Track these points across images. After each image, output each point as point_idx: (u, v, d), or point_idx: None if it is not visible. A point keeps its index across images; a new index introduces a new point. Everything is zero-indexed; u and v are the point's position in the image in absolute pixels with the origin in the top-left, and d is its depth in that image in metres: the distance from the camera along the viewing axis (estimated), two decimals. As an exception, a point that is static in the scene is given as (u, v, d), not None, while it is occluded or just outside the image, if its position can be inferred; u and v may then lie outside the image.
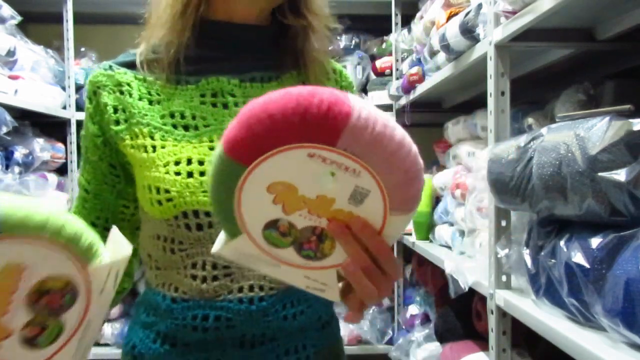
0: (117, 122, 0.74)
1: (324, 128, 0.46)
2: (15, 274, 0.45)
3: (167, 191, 0.70)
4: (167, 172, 0.71)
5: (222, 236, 0.56)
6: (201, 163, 0.71)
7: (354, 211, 0.51)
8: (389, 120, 0.48)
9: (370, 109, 0.47)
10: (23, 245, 0.45)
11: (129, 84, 0.76)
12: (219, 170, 0.50)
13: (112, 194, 0.79)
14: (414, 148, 0.51)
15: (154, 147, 0.72)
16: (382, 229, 0.52)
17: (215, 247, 0.56)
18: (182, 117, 0.74)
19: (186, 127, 0.74)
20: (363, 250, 0.51)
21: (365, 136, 0.46)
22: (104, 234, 0.56)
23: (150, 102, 0.75)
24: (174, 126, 0.74)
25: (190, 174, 0.71)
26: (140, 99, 0.75)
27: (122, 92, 0.75)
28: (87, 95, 0.78)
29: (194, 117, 0.74)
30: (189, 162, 0.71)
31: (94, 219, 0.80)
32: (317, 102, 0.45)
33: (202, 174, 0.71)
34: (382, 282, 0.53)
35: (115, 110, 0.75)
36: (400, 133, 0.49)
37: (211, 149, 0.73)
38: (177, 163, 0.71)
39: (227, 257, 0.56)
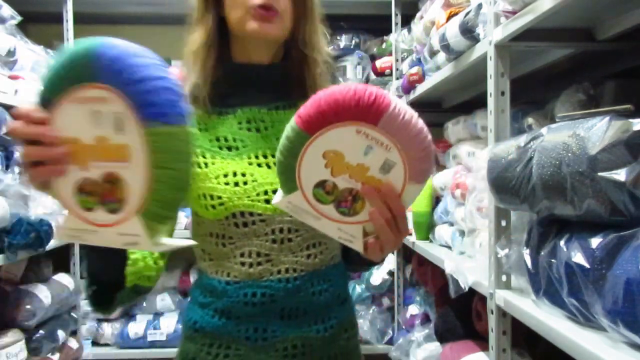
0: None
1: (370, 111, 0.66)
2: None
3: (219, 197, 0.89)
4: (218, 183, 0.90)
5: (280, 192, 0.73)
6: (243, 175, 0.91)
7: (382, 179, 0.69)
8: (414, 114, 0.68)
9: (403, 104, 0.67)
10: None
11: None
12: (290, 138, 0.68)
13: None
14: (429, 135, 0.69)
15: (205, 164, 0.92)
16: (402, 194, 0.70)
17: (275, 200, 0.74)
18: (226, 140, 0.94)
19: (229, 148, 0.94)
20: (386, 209, 0.70)
21: (398, 121, 0.66)
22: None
23: (200, 130, 0.95)
24: (220, 147, 0.93)
25: (236, 184, 0.90)
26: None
27: None
28: None
29: (234, 140, 0.94)
30: (234, 174, 0.91)
31: None
32: (367, 93, 0.65)
33: (245, 183, 0.90)
34: (397, 234, 0.74)
35: None
36: (421, 123, 0.68)
37: (250, 164, 0.92)
38: (225, 175, 0.91)
39: (282, 208, 0.73)
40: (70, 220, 0.64)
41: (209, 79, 0.93)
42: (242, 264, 0.91)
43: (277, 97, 0.98)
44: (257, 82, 0.97)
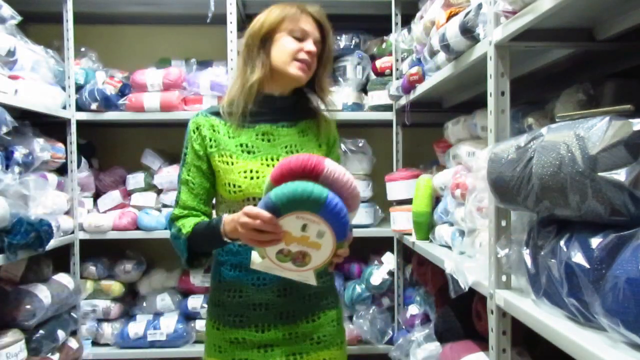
0: (211, 147, 1.35)
1: (311, 174, 1.11)
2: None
3: (239, 187, 1.32)
4: (239, 177, 1.33)
5: (255, 257, 1.20)
6: (257, 172, 1.33)
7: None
8: (343, 170, 1.14)
9: (336, 167, 1.14)
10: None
11: (217, 125, 1.37)
12: (265, 188, 1.18)
13: (209, 183, 1.38)
14: (354, 183, 1.16)
15: (232, 162, 1.34)
16: (334, 248, 1.14)
17: (253, 264, 1.20)
18: (246, 146, 1.36)
19: (248, 152, 1.36)
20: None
21: (331, 177, 1.13)
22: (205, 210, 1.37)
23: (229, 137, 1.36)
24: (242, 151, 1.35)
25: (251, 178, 1.33)
26: (223, 135, 1.36)
27: (213, 130, 1.37)
28: (191, 127, 1.38)
29: (252, 146, 1.36)
30: (251, 171, 1.33)
31: (199, 200, 1.37)
32: (309, 162, 1.11)
33: (257, 178, 1.33)
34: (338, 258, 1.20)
35: (210, 140, 1.36)
36: (348, 176, 1.15)
37: (262, 164, 1.34)
38: (244, 172, 1.33)
39: (258, 268, 1.21)
40: (266, 262, 1.18)
41: (252, 100, 1.34)
42: None
43: (283, 118, 1.40)
44: (273, 107, 1.39)
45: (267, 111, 1.37)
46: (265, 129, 1.37)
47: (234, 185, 1.31)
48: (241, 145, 1.35)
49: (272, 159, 1.35)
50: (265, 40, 1.34)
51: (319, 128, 1.43)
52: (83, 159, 2.56)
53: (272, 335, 1.36)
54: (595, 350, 0.77)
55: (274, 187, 1.10)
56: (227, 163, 1.33)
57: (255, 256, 1.19)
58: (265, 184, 1.16)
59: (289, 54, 1.32)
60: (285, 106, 1.40)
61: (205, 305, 2.55)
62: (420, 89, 1.96)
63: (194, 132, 1.36)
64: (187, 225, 1.32)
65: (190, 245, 1.31)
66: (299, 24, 1.34)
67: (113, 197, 2.60)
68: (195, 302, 2.59)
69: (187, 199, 1.36)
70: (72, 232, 2.47)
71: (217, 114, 1.38)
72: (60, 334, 2.23)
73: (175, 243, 1.35)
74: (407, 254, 2.49)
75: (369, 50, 2.66)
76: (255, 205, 1.22)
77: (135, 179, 2.62)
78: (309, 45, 1.33)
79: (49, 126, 2.35)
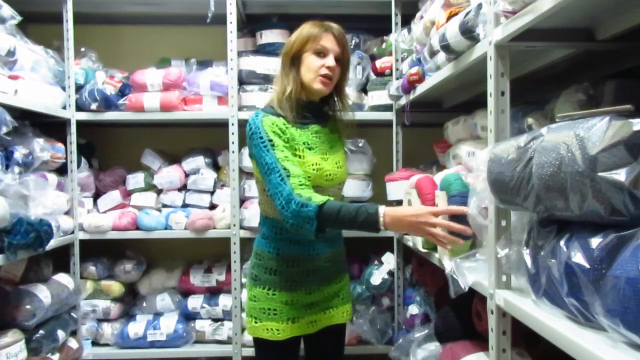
0: (288, 141, 1.58)
1: None
2: None
3: (309, 177, 1.56)
4: (309, 168, 1.60)
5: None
6: (319, 165, 1.63)
7: None
8: None
9: None
10: None
11: (287, 125, 1.61)
12: None
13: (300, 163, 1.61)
14: None
15: (303, 156, 1.61)
16: None
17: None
18: (308, 144, 1.64)
19: (309, 148, 1.64)
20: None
21: None
22: (308, 179, 1.57)
23: (297, 135, 1.62)
24: (306, 148, 1.63)
25: (316, 170, 1.61)
26: (293, 132, 1.61)
27: (287, 128, 1.60)
28: (266, 123, 1.57)
29: (311, 144, 1.65)
30: (315, 164, 1.62)
31: (301, 171, 1.56)
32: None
33: (319, 170, 1.62)
34: None
35: (288, 134, 1.59)
36: None
37: (321, 158, 1.65)
38: (312, 164, 1.61)
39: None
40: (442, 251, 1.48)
41: (293, 107, 1.62)
42: None
43: (323, 120, 1.73)
44: (317, 111, 1.72)
45: (312, 114, 1.69)
46: (317, 128, 1.68)
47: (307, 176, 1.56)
48: (304, 143, 1.63)
49: (325, 154, 1.67)
50: (294, 59, 1.64)
51: (339, 127, 1.78)
52: (83, 159, 2.57)
53: (316, 296, 1.70)
54: (595, 350, 0.77)
55: None
56: (300, 157, 1.59)
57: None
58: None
59: (313, 71, 1.61)
60: (320, 110, 1.73)
61: (205, 305, 2.57)
62: (420, 89, 1.96)
63: (274, 126, 1.56)
64: (317, 197, 1.46)
65: (320, 216, 1.43)
66: (321, 42, 1.61)
67: (113, 197, 2.60)
68: (195, 302, 2.59)
69: (294, 170, 1.51)
70: (72, 232, 2.47)
71: (276, 114, 1.61)
72: (60, 334, 2.23)
73: (303, 212, 1.44)
74: (407, 254, 2.49)
75: (369, 50, 2.66)
76: (316, 192, 1.51)
77: (135, 179, 2.62)
78: (330, 61, 1.61)
79: (49, 126, 2.35)
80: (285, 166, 1.50)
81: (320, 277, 1.70)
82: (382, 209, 1.42)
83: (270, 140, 1.53)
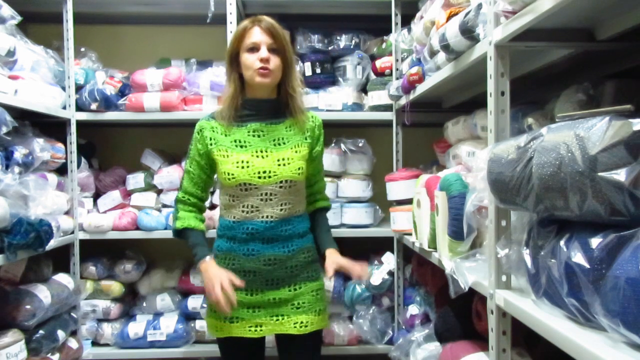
0: (211, 144, 1.67)
1: None
2: None
3: (233, 174, 1.62)
4: (233, 166, 1.63)
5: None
6: (247, 162, 1.63)
7: None
8: None
9: None
10: None
11: (215, 127, 1.69)
12: None
13: (205, 175, 1.72)
14: None
15: (227, 155, 1.65)
16: None
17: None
18: (239, 141, 1.66)
19: (241, 146, 1.66)
20: None
21: None
22: (202, 195, 1.75)
23: (225, 135, 1.67)
24: (235, 145, 1.66)
25: (242, 167, 1.63)
26: (220, 134, 1.68)
27: (213, 131, 1.69)
28: (196, 129, 1.72)
29: (244, 141, 1.66)
30: (242, 162, 1.63)
31: (197, 187, 1.72)
32: None
33: (247, 167, 1.62)
34: None
35: (210, 139, 1.67)
36: None
37: (252, 156, 1.64)
38: (237, 162, 1.63)
39: None
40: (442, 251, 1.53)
41: (234, 107, 1.66)
42: (243, 211, 1.65)
43: (271, 117, 1.70)
44: (259, 109, 1.69)
45: (255, 112, 1.69)
46: (255, 126, 1.68)
47: (229, 174, 1.62)
48: (235, 141, 1.66)
49: (262, 151, 1.65)
50: (233, 61, 1.67)
51: (303, 123, 1.71)
52: (83, 159, 2.56)
53: (259, 298, 1.68)
54: (595, 350, 0.77)
55: None
56: (223, 156, 1.64)
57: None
58: None
59: (249, 67, 1.62)
60: (271, 107, 1.70)
61: (205, 305, 2.57)
62: (420, 89, 1.96)
63: (198, 134, 1.70)
64: (184, 218, 1.70)
65: (178, 232, 1.73)
66: (250, 39, 1.63)
67: (113, 197, 2.60)
68: (195, 302, 2.58)
69: (188, 186, 1.73)
70: (72, 232, 2.46)
71: (211, 118, 1.72)
72: (60, 334, 2.23)
73: (173, 221, 1.74)
74: (407, 254, 2.49)
75: (369, 50, 2.66)
76: (246, 189, 1.63)
77: (135, 179, 2.62)
78: (262, 53, 1.61)
79: (49, 126, 2.35)
80: (184, 177, 1.74)
81: (262, 279, 1.67)
82: (207, 260, 1.64)
83: (190, 150, 1.72)
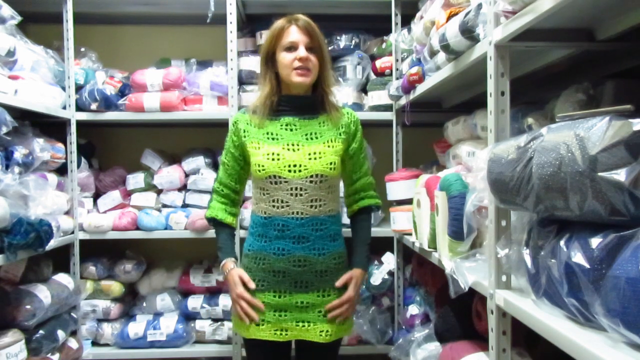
0: (245, 137, 1.69)
1: None
2: None
3: (263, 166, 1.63)
4: (264, 158, 1.63)
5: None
6: (278, 155, 1.63)
7: None
8: None
9: None
10: None
11: (249, 120, 1.71)
12: None
13: (239, 167, 1.75)
14: None
15: (258, 147, 1.66)
16: None
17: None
18: (271, 134, 1.67)
19: (272, 139, 1.66)
20: None
21: None
22: (235, 187, 1.77)
23: (258, 128, 1.69)
24: (267, 138, 1.67)
25: (273, 160, 1.63)
26: (253, 126, 1.69)
27: (247, 123, 1.71)
28: (231, 122, 1.75)
29: (276, 134, 1.67)
30: (273, 154, 1.63)
31: (231, 178, 1.76)
32: None
33: (278, 159, 1.62)
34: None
35: (244, 131, 1.70)
36: None
37: (283, 149, 1.64)
38: (268, 154, 1.64)
39: None
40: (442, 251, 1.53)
41: (270, 105, 1.66)
42: (273, 205, 1.64)
43: (305, 112, 1.70)
44: (295, 105, 1.70)
45: (289, 108, 1.69)
46: (288, 120, 1.68)
47: (259, 165, 1.63)
48: (267, 133, 1.67)
49: (293, 144, 1.65)
50: (269, 60, 1.68)
51: (337, 119, 1.71)
52: (83, 159, 2.56)
53: (286, 300, 1.66)
54: (595, 350, 0.77)
55: None
56: (255, 148, 1.66)
57: None
58: None
59: (287, 66, 1.63)
60: (306, 103, 1.70)
61: (205, 305, 2.57)
62: (420, 89, 1.96)
63: (233, 126, 1.73)
64: (214, 208, 1.76)
65: (207, 219, 1.79)
66: (287, 38, 1.63)
67: (113, 197, 2.60)
68: (195, 302, 2.58)
69: (223, 176, 1.77)
70: (72, 232, 2.46)
71: (246, 111, 1.75)
72: (60, 334, 2.23)
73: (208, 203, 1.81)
74: (407, 254, 2.49)
75: (369, 50, 2.66)
76: (276, 182, 1.62)
77: (135, 179, 2.62)
78: (300, 52, 1.62)
79: (49, 126, 2.35)
80: (220, 169, 1.78)
81: (291, 280, 1.65)
82: (228, 264, 1.71)
83: (226, 142, 1.76)
